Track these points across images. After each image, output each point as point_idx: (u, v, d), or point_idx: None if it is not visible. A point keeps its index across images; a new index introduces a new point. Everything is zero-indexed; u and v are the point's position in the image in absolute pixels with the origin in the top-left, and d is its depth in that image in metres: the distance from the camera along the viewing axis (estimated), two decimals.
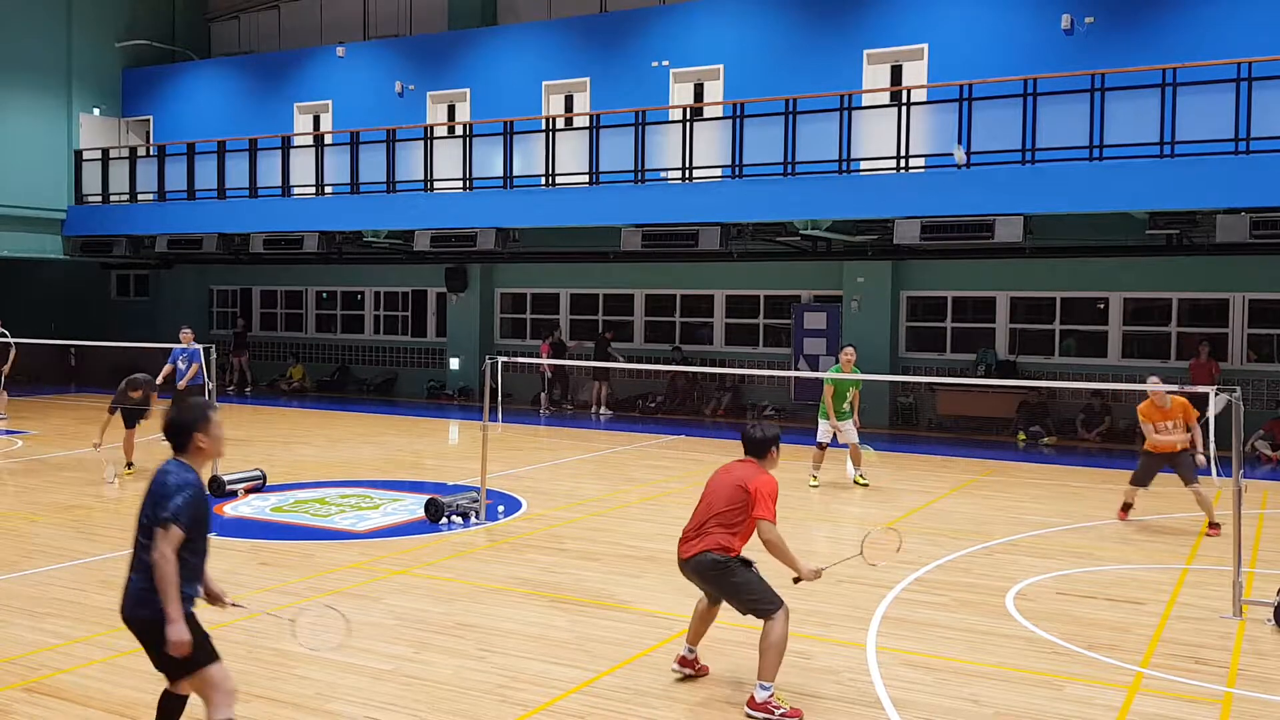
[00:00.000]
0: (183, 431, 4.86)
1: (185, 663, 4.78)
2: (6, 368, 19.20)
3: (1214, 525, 11.02)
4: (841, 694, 6.41)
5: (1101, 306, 19.72)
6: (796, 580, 6.24)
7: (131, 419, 14.27)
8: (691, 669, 6.62)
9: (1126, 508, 11.86)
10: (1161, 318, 19.37)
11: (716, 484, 6.50)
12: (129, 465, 14.27)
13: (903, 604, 8.32)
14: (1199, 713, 6.20)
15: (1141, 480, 11.62)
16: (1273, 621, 7.82)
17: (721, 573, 6.25)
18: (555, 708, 6.14)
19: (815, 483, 13.71)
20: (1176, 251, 17.57)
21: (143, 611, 4.75)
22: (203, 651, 4.81)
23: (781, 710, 5.96)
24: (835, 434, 13.71)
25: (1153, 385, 10.92)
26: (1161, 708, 6.27)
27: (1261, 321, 18.55)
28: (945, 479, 14.37)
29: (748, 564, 6.31)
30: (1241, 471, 8.21)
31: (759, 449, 6.57)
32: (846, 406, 13.77)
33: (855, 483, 13.72)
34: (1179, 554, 10.22)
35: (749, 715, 5.99)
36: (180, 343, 16.27)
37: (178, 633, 4.67)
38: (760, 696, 5.99)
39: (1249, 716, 6.18)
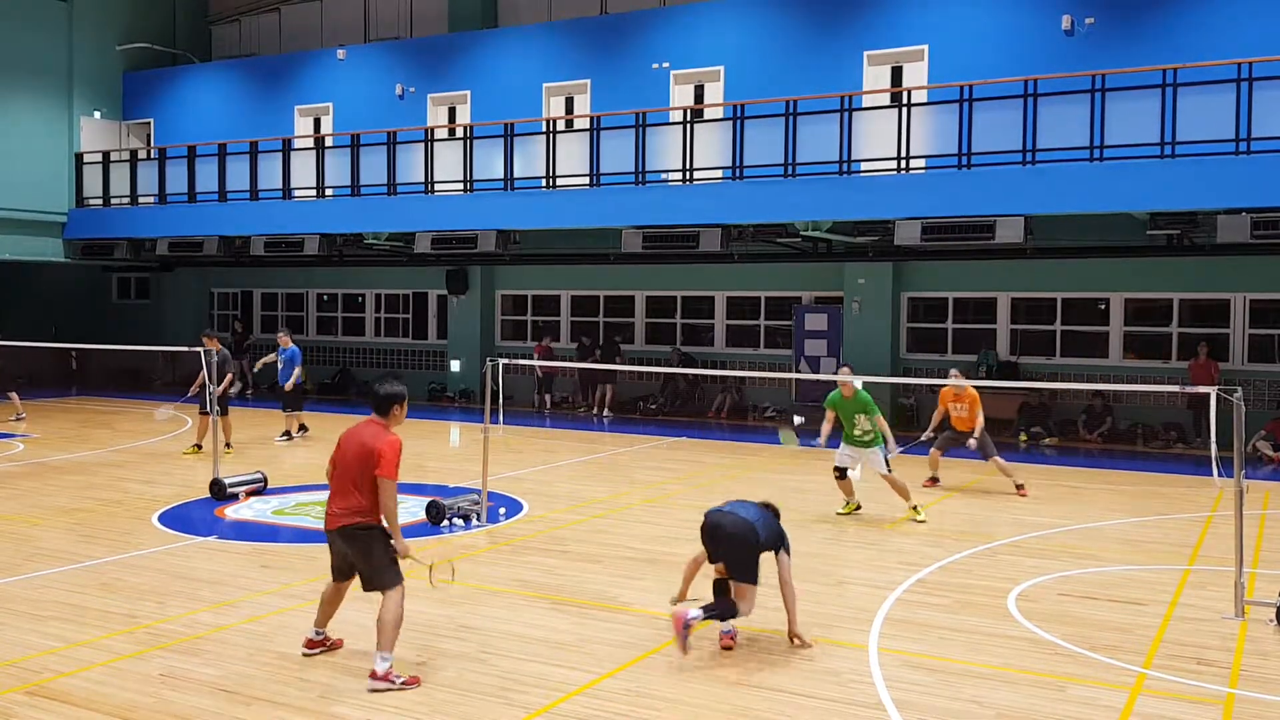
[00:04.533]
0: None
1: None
2: None
3: (1020, 486, 13.28)
4: (843, 695, 6.41)
5: (1103, 307, 19.71)
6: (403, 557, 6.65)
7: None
8: (323, 647, 7.01)
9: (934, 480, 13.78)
10: (1163, 318, 19.36)
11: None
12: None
13: (904, 605, 8.31)
14: (1201, 714, 6.19)
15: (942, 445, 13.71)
16: (1275, 622, 7.82)
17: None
18: (558, 710, 6.14)
19: (845, 509, 11.94)
20: (1177, 252, 17.56)
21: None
22: None
23: (401, 679, 6.40)
24: (859, 464, 11.72)
25: (952, 378, 13.40)
26: (1163, 709, 6.26)
27: (1263, 322, 18.53)
28: (947, 480, 14.35)
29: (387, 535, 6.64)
30: (1243, 472, 8.22)
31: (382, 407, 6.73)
32: (859, 433, 11.60)
33: (914, 519, 11.57)
34: (1180, 555, 10.21)
35: (373, 689, 6.35)
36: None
37: None
38: (381, 668, 6.40)
39: (1251, 717, 6.18)
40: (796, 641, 7.30)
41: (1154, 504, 12.85)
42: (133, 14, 27.89)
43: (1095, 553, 10.26)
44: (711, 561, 7.35)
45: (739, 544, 7.12)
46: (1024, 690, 6.50)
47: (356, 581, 6.76)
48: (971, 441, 13.11)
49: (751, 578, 7.11)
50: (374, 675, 6.38)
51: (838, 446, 11.88)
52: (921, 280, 20.92)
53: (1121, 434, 18.71)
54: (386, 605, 6.45)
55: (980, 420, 13.17)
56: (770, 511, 7.52)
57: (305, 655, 6.91)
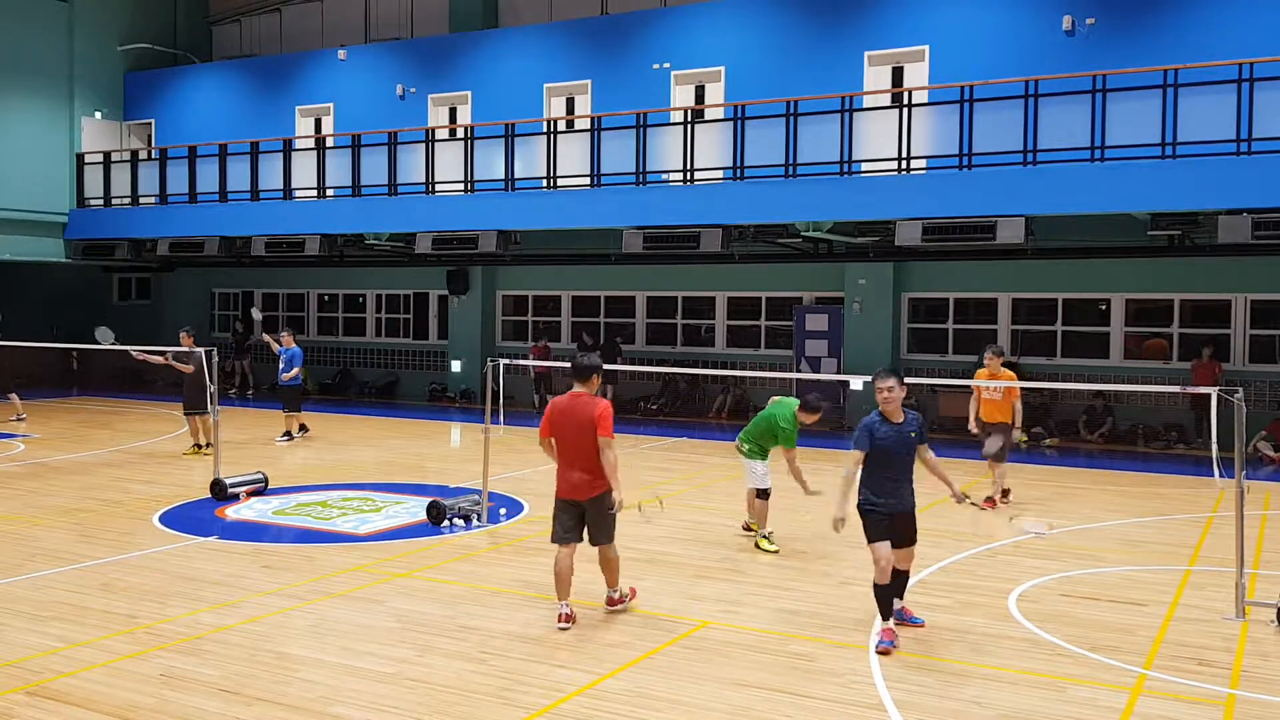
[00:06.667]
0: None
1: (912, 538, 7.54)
2: None
3: (989, 499, 12.43)
4: (844, 696, 6.41)
5: (1104, 308, 19.70)
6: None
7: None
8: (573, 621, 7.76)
9: (1005, 492, 12.64)
10: (1164, 319, 19.35)
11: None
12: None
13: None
14: (1202, 714, 6.19)
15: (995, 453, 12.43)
16: (1276, 623, 7.81)
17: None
18: (558, 710, 6.14)
19: (772, 545, 10.32)
20: (1178, 252, 17.55)
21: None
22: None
23: (629, 597, 8.13)
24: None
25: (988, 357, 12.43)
26: (1164, 709, 6.26)
27: (1264, 323, 18.53)
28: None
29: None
30: (1244, 473, 8.22)
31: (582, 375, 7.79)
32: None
33: (760, 546, 10.41)
34: (1181, 555, 10.21)
35: (612, 611, 7.97)
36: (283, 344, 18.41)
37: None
38: (614, 597, 8.06)
39: (1252, 718, 6.18)
40: (966, 501, 8.21)
41: (1154, 504, 12.85)
42: (133, 14, 27.90)
43: (1096, 553, 10.26)
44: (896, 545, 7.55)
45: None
46: (1024, 691, 6.50)
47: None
48: (1016, 434, 12.72)
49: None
50: (610, 602, 7.99)
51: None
52: (922, 281, 20.92)
53: (1122, 434, 18.71)
54: (609, 552, 7.86)
55: (1018, 409, 12.41)
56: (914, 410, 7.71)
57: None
